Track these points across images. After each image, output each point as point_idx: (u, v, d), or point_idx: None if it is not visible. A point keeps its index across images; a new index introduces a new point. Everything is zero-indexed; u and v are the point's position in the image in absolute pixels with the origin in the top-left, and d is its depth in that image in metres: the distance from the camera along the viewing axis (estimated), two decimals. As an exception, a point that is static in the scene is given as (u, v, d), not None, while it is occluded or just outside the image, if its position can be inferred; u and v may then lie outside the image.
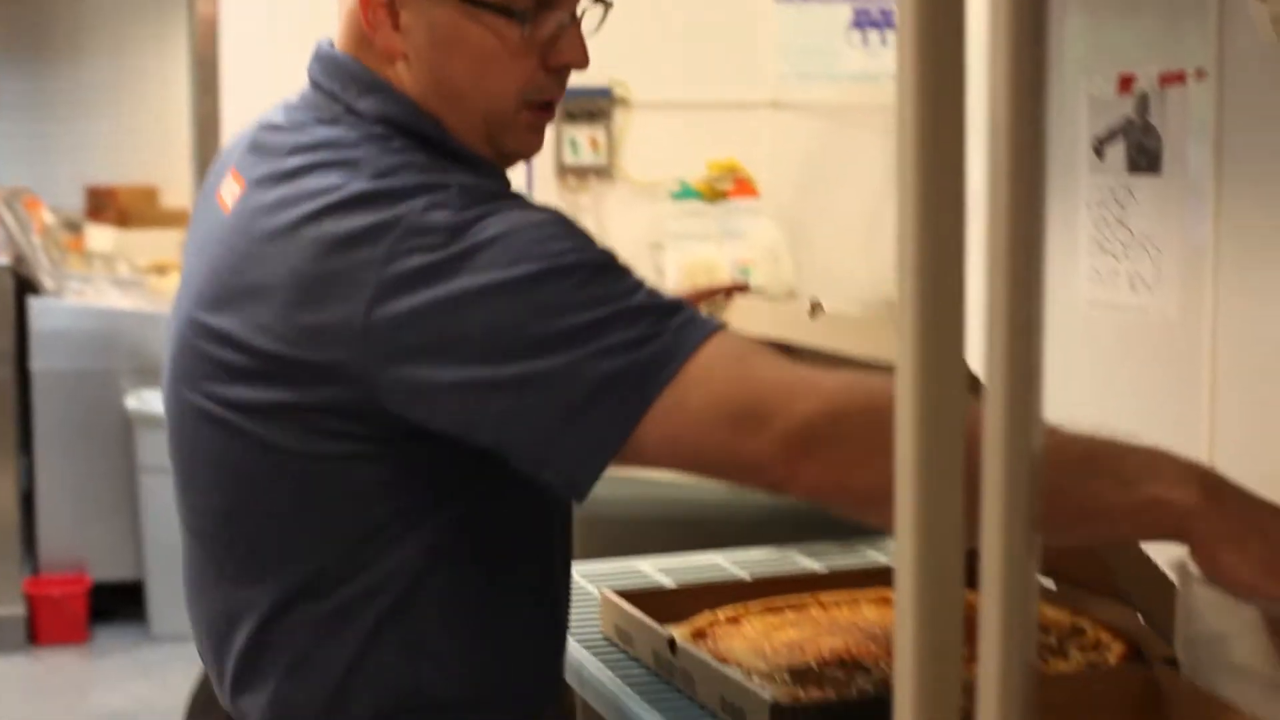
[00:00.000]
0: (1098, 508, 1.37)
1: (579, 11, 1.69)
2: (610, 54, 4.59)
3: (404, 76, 1.65)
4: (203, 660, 1.76)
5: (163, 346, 1.77)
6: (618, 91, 4.61)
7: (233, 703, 1.70)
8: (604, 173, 4.60)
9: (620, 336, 1.44)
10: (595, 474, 1.49)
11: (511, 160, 1.73)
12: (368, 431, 1.57)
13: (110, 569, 5.95)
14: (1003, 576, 1.16)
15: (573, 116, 4.56)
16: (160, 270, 7.11)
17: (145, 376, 5.81)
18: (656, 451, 1.47)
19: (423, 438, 1.56)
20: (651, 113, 4.65)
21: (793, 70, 4.74)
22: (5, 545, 5.78)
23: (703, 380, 1.43)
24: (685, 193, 4.59)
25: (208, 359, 1.62)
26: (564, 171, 4.58)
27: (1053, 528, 1.35)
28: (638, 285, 1.50)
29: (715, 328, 1.46)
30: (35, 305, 5.96)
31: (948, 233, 1.19)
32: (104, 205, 9.31)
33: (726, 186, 4.62)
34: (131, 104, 12.06)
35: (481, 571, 1.67)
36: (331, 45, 1.71)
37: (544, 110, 1.71)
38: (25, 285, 6.04)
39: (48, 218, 7.14)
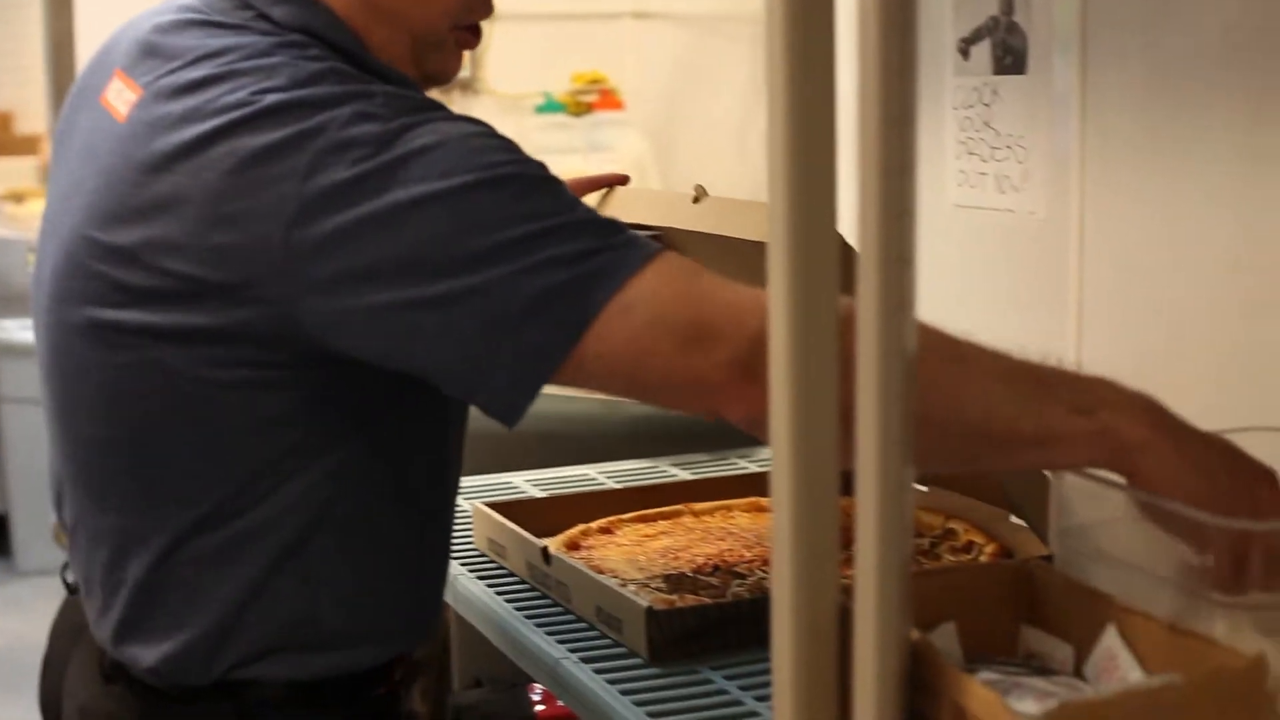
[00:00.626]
0: (1049, 434, 1.34)
1: None
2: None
3: None
4: (86, 597, 1.69)
5: (36, 269, 1.68)
6: (480, 3, 4.56)
7: (118, 646, 1.63)
8: (468, 86, 4.55)
9: (560, 250, 1.38)
10: (531, 394, 1.42)
11: (431, 83, 1.68)
12: (280, 358, 1.49)
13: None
14: (879, 476, 1.15)
15: (434, 29, 4.51)
16: (17, 198, 6.95)
17: (4, 305, 5.69)
18: (595, 370, 1.40)
19: (335, 364, 1.49)
20: (515, 24, 4.59)
21: (656, -20, 4.72)
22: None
23: (648, 297, 1.37)
24: (550, 106, 4.56)
25: (102, 279, 1.52)
26: (426, 84, 4.52)
27: (1001, 453, 1.37)
28: (576, 201, 1.44)
29: (659, 248, 1.40)
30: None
31: (819, 133, 1.18)
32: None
33: (591, 99, 4.59)
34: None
35: (384, 501, 1.63)
36: None
37: (473, 32, 1.66)
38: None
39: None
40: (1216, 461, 1.35)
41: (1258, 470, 1.36)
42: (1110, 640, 1.26)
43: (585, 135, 4.55)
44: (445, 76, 1.69)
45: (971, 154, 2.38)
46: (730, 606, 1.73)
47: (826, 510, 1.20)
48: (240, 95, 1.47)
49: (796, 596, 1.21)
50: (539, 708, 2.36)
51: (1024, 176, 2.28)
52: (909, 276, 1.14)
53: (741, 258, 1.87)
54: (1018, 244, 2.29)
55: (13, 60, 9.87)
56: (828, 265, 1.18)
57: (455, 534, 2.12)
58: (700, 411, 1.44)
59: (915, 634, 1.19)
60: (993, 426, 1.34)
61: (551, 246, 1.38)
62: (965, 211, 2.38)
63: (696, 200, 1.94)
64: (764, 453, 2.58)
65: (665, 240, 2.14)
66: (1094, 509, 1.37)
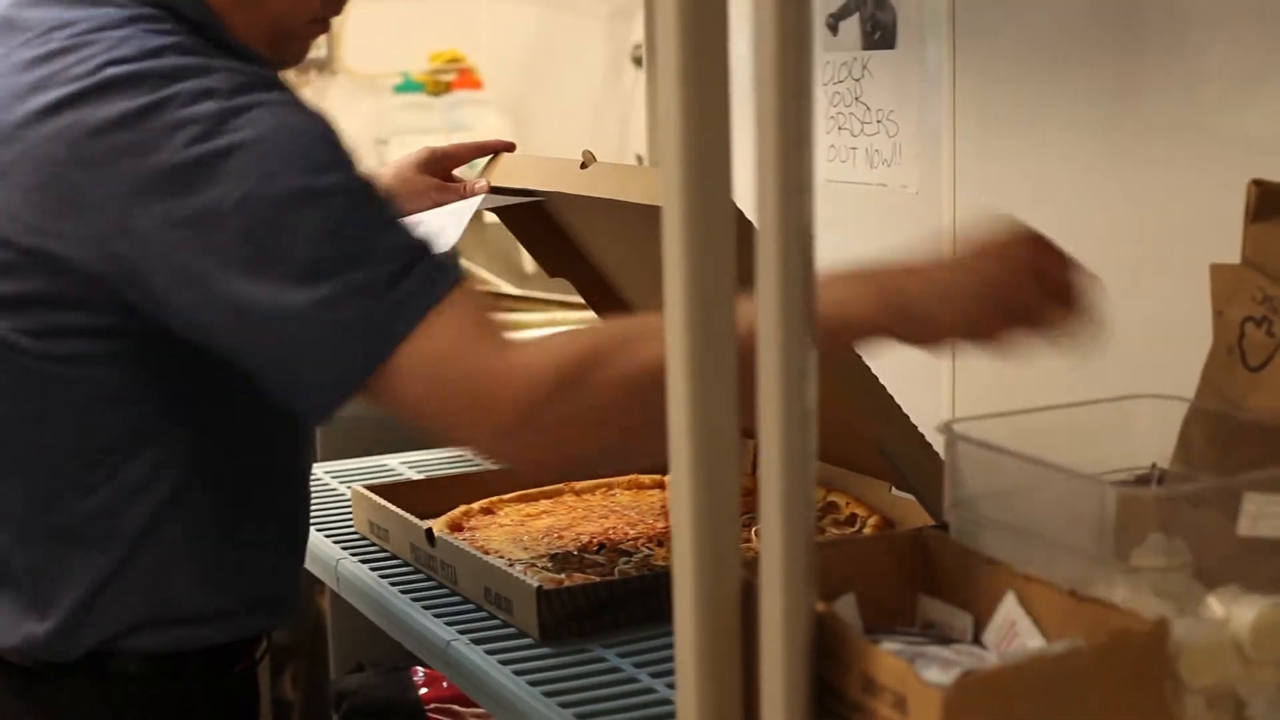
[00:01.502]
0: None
1: None
2: (325, -57, 4.51)
3: None
4: None
5: None
6: (334, -18, 4.50)
7: None
8: (324, 66, 4.48)
9: (363, 277, 1.39)
10: (331, 411, 1.44)
11: (282, 67, 1.68)
12: (112, 331, 1.50)
13: None
14: (783, 448, 1.15)
15: (288, 9, 4.45)
16: None
17: None
18: (386, 404, 1.43)
19: (169, 340, 1.49)
20: (372, 3, 4.54)
21: (511, -43, 4.69)
22: None
23: (431, 351, 1.39)
24: (408, 85, 4.51)
25: None
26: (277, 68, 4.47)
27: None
28: (390, 221, 1.45)
29: (453, 281, 1.43)
30: None
31: (713, 106, 1.17)
32: None
33: (450, 78, 4.55)
34: None
35: (233, 483, 1.62)
36: None
37: (324, 26, 1.69)
38: None
39: None
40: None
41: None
42: (1009, 608, 1.28)
43: (444, 115, 4.51)
44: (291, 63, 1.71)
45: (842, 129, 2.40)
46: (619, 584, 1.73)
47: (726, 483, 1.20)
48: (86, 66, 1.48)
49: (698, 570, 1.20)
50: (422, 690, 2.35)
51: (895, 151, 2.30)
52: (809, 249, 1.14)
53: (629, 222, 1.87)
54: (891, 218, 2.31)
55: None
56: (724, 237, 1.17)
57: (333, 517, 2.11)
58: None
59: (820, 606, 1.19)
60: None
61: (355, 271, 1.40)
62: (837, 186, 2.40)
63: (584, 166, 1.94)
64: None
65: (552, 206, 2.14)
66: (987, 479, 1.38)
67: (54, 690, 1.61)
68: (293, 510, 1.74)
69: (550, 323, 3.92)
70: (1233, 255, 1.55)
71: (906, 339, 1.46)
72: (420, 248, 1.44)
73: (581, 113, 4.75)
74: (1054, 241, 1.48)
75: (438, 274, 1.43)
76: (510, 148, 2.15)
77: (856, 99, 2.36)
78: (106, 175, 1.44)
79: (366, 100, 4.51)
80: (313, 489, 1.79)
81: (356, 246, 1.41)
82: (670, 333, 1.18)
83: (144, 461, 1.55)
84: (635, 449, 1.49)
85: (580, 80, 4.75)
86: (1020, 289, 1.45)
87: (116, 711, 1.62)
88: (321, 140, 1.47)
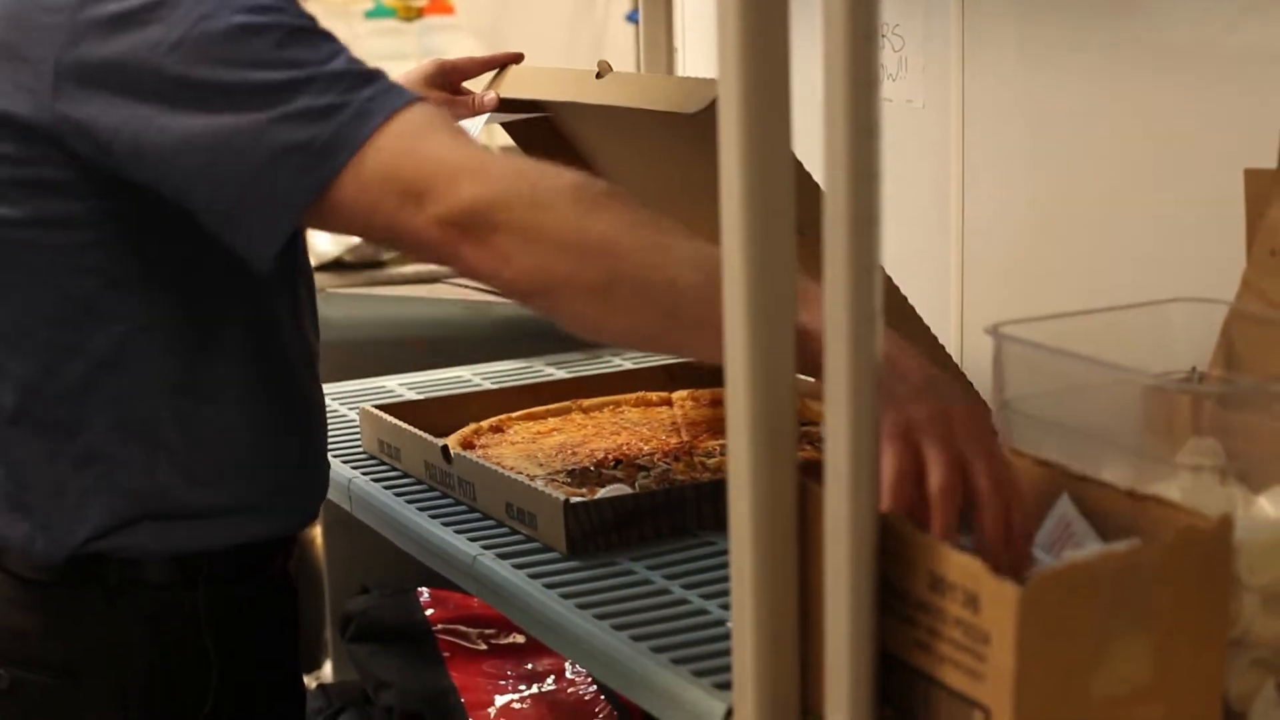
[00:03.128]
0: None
1: None
2: None
3: None
4: None
5: None
6: (301, -94, 4.44)
7: None
8: (294, -10, 4.44)
9: (309, 102, 1.41)
10: (278, 240, 1.46)
11: None
12: (66, 187, 1.51)
13: None
14: (849, 347, 1.14)
15: (256, -67, 4.39)
16: None
17: None
18: (336, 219, 1.46)
19: (128, 199, 1.50)
20: (340, -72, 4.51)
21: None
22: None
23: (380, 152, 1.41)
24: (380, 11, 4.47)
25: None
26: (251, -10, 4.41)
27: (687, 332, 1.39)
28: (336, 52, 1.46)
29: (406, 101, 1.43)
30: None
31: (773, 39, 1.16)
32: None
33: (421, 4, 4.51)
34: None
35: (217, 363, 1.60)
36: None
37: None
38: None
39: None
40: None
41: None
42: (1064, 509, 1.27)
43: (417, 41, 4.47)
44: None
45: (844, 44, 2.37)
46: (646, 497, 1.71)
47: (782, 384, 1.19)
48: None
49: (755, 471, 1.19)
50: (428, 611, 2.34)
51: (901, 65, 2.28)
52: (875, 192, 1.13)
53: (646, 133, 1.85)
54: (897, 134, 2.28)
55: None
56: (783, 171, 1.16)
57: (340, 438, 2.08)
58: (432, 261, 1.48)
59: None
60: (681, 307, 1.38)
61: (301, 97, 1.41)
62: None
63: (600, 76, 1.92)
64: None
65: (562, 121, 2.11)
66: (1034, 380, 1.37)
67: (56, 599, 1.60)
68: (294, 403, 1.70)
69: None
70: (1255, 163, 1.55)
71: None
72: (368, 73, 1.45)
73: (555, 36, 4.71)
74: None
75: (386, 94, 1.44)
76: (518, 59, 2.12)
77: (858, 14, 2.34)
78: (44, 29, 1.46)
79: (337, 25, 4.40)
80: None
81: (300, 74, 1.43)
82: (728, 249, 1.17)
83: (109, 335, 1.54)
84: (596, 321, 1.42)
85: (551, 4, 4.71)
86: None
87: (125, 622, 1.60)
88: None
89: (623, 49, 4.21)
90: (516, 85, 2.08)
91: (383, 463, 2.02)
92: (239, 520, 1.62)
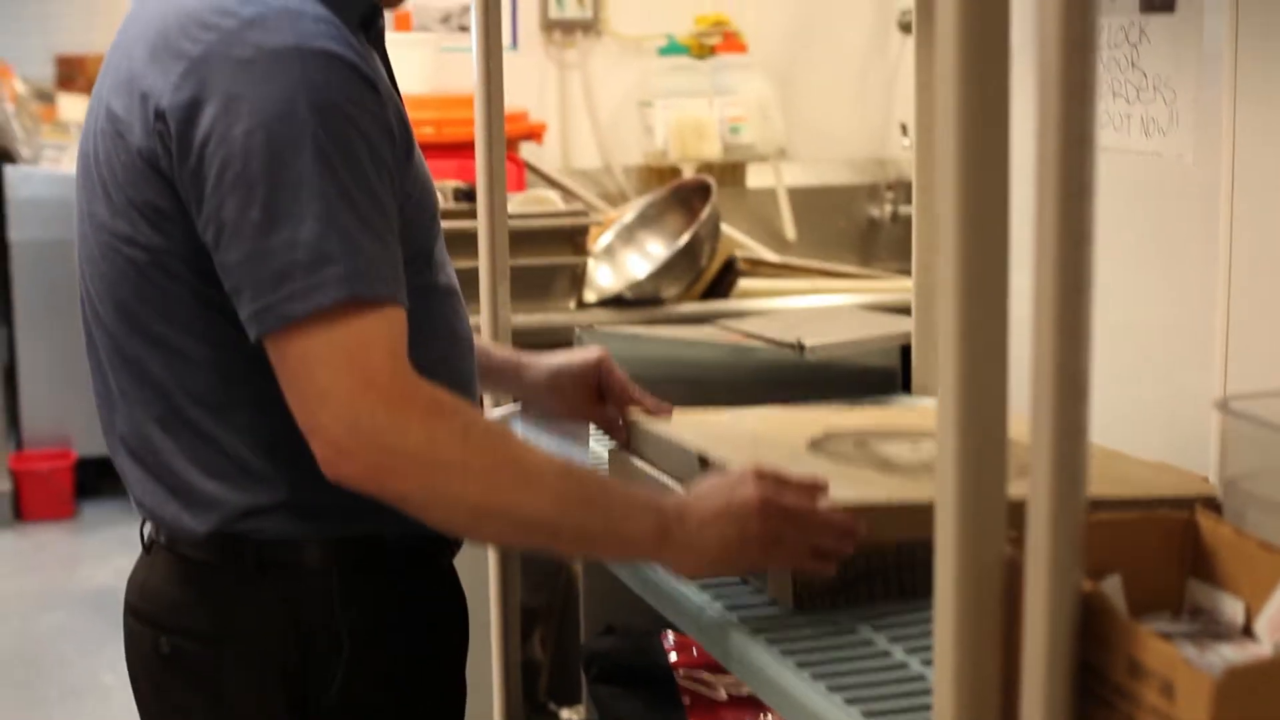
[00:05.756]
0: (593, 538, 1.63)
1: None
2: (594, -96, 4.52)
3: None
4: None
5: None
6: (602, -59, 4.52)
7: (148, 518, 1.75)
8: (590, 28, 4.50)
9: (322, 245, 1.52)
10: (262, 335, 1.56)
11: (389, 4, 1.78)
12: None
13: (96, 444, 5.85)
14: (1054, 416, 1.12)
15: (557, -31, 4.47)
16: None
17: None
18: (272, 361, 1.56)
19: None
20: (637, -34, 4.56)
21: (780, -79, 4.65)
22: (-12, 411, 5.74)
23: (301, 348, 1.53)
24: (673, 48, 4.50)
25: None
26: (549, 26, 4.49)
27: (561, 547, 1.69)
28: (368, 198, 1.55)
29: (384, 296, 1.55)
30: (11, 174, 5.88)
31: (993, 95, 1.14)
32: (74, 74, 9.16)
33: (715, 41, 4.53)
34: (99, -31, 11.86)
35: None
36: None
37: None
38: (1, 155, 5.95)
39: (19, 87, 7.02)
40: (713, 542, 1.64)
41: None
42: (1286, 595, 1.23)
43: (709, 78, 4.49)
44: (395, 3, 1.80)
45: (1117, 96, 2.33)
46: (876, 557, 1.70)
47: (994, 456, 1.17)
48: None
49: (961, 545, 1.18)
50: (672, 656, 2.34)
51: (1172, 119, 2.22)
52: (1089, 208, 1.11)
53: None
54: (1165, 190, 2.24)
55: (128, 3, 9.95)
56: (999, 208, 1.15)
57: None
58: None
59: (1087, 585, 1.15)
60: (561, 528, 1.61)
61: (301, 231, 1.52)
62: (1110, 155, 2.33)
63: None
64: (901, 400, 2.54)
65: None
66: (1264, 458, 1.33)
67: (205, 573, 1.70)
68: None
69: (811, 290, 3.90)
70: None
71: (671, 566, 1.65)
72: (362, 258, 1.54)
73: (846, 79, 4.70)
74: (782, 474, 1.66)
75: (367, 276, 1.53)
76: (667, 412, 2.06)
77: (1133, 65, 2.29)
78: (160, 76, 1.58)
79: (631, 62, 4.52)
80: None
81: (320, 225, 1.52)
82: (943, 299, 1.15)
83: (247, 343, 1.59)
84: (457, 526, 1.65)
85: (845, 46, 4.70)
86: (761, 526, 1.62)
87: (263, 598, 1.68)
88: (341, 94, 1.54)
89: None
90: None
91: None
92: (371, 517, 1.64)
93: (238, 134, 1.52)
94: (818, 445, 1.94)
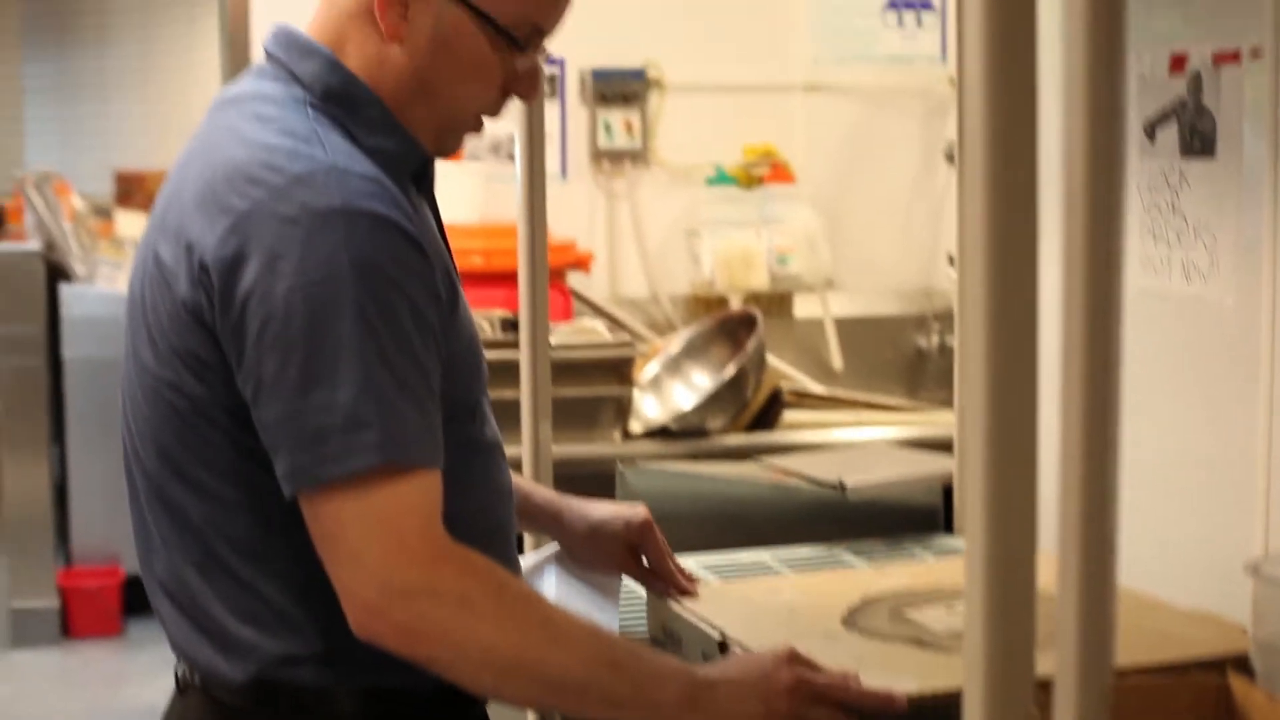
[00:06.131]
0: (621, 702, 1.63)
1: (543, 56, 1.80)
2: (644, 35, 4.57)
3: (396, 58, 1.71)
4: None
5: None
6: (651, 74, 4.56)
7: (182, 660, 1.76)
8: (639, 157, 4.55)
9: (356, 414, 1.55)
10: (295, 492, 1.59)
11: (440, 155, 1.81)
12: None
13: (143, 560, 5.89)
14: (1080, 578, 1.11)
15: (606, 99, 4.51)
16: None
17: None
18: (306, 519, 1.60)
19: None
20: (686, 95, 4.60)
21: (827, 53, 4.69)
22: (38, 537, 5.76)
23: (364, 502, 1.56)
24: (721, 178, 4.54)
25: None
26: (598, 156, 4.54)
27: (589, 710, 1.64)
28: (408, 361, 1.58)
29: (418, 462, 1.58)
30: (66, 292, 5.93)
31: (1020, 227, 1.15)
32: (133, 190, 9.26)
33: (763, 172, 4.57)
34: (159, 88, 12.02)
35: None
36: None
37: (481, 124, 1.80)
38: (56, 272, 6.02)
39: (77, 203, 7.10)
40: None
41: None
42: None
43: (757, 208, 4.52)
44: (449, 154, 1.84)
45: (1159, 239, 2.33)
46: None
47: (1022, 641, 1.17)
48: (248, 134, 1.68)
49: (988, 706, 1.17)
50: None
51: (1212, 264, 2.23)
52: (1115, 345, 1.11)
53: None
54: (1205, 334, 2.24)
55: (188, 121, 10.08)
56: (1028, 344, 1.15)
57: (630, 618, 2.11)
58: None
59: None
60: (589, 690, 1.63)
61: (346, 393, 1.55)
62: (1151, 299, 2.33)
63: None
64: (942, 541, 2.54)
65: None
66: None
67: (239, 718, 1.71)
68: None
69: (857, 422, 3.90)
70: None
71: None
72: (404, 412, 1.57)
73: (893, 209, 4.73)
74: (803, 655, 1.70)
75: (409, 441, 1.57)
76: (693, 593, 2.08)
77: (1173, 209, 2.30)
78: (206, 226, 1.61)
79: (679, 191, 4.55)
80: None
81: (357, 387, 1.55)
82: (972, 444, 1.15)
83: (282, 495, 1.61)
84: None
85: (893, 176, 4.73)
86: (789, 705, 1.65)
87: None
88: (386, 259, 1.58)
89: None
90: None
91: (666, 648, 2.04)
92: (405, 667, 1.63)
93: (279, 292, 1.54)
94: (853, 619, 1.95)
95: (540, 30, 1.75)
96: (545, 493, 2.15)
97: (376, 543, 1.55)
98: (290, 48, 1.74)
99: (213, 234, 1.59)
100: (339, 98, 1.70)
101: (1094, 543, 1.10)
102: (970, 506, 1.14)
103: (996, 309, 1.14)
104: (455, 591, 1.56)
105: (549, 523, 2.10)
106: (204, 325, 1.61)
